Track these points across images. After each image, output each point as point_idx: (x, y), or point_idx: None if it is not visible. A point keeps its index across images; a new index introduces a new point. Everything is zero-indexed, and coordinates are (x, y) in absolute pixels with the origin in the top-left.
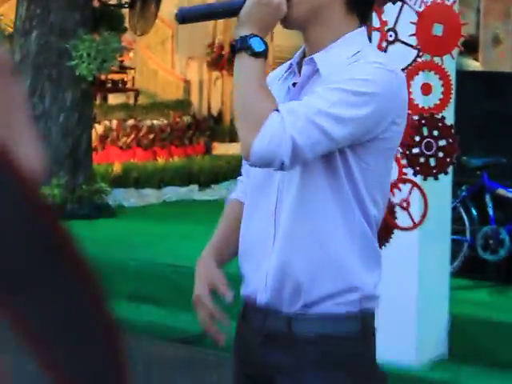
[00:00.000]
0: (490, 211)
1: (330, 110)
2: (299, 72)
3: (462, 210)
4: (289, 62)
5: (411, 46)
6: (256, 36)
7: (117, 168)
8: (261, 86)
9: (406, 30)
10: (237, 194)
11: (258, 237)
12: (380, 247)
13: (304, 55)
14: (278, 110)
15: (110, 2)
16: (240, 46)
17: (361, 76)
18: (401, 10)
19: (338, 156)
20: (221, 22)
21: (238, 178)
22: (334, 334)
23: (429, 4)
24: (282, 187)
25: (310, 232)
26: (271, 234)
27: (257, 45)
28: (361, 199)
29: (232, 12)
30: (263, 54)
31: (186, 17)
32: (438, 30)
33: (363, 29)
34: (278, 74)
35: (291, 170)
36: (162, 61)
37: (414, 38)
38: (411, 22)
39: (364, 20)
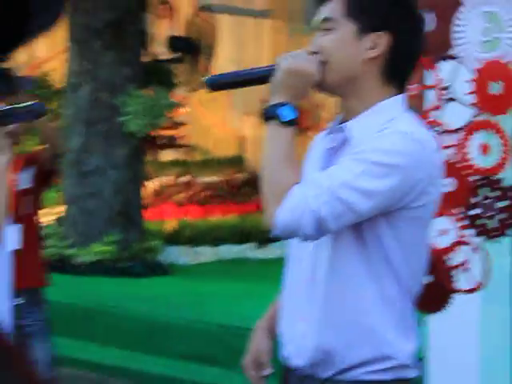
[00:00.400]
0: None
1: (355, 182)
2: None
3: None
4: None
5: (468, 104)
6: (286, 104)
7: (170, 225)
8: (287, 156)
9: (462, 88)
10: None
11: (295, 304)
12: (436, 311)
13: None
14: (301, 182)
15: (161, 58)
16: (269, 114)
17: (385, 147)
18: (456, 68)
19: (368, 225)
20: None
21: None
22: None
23: (484, 62)
24: (315, 257)
25: (344, 302)
26: (307, 302)
27: (286, 114)
28: (394, 268)
29: (261, 80)
30: (293, 123)
31: (214, 85)
32: (495, 87)
33: (399, 96)
34: (324, 133)
35: (317, 240)
36: (216, 117)
37: (471, 96)
38: (468, 81)
39: (401, 88)
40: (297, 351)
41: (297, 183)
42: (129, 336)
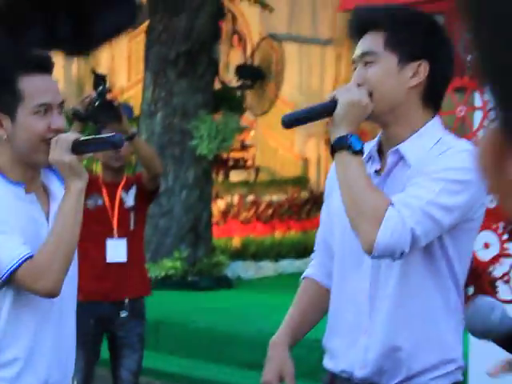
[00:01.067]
0: None
1: (437, 200)
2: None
3: None
4: None
5: None
6: (353, 135)
7: (236, 242)
8: (368, 181)
9: None
10: (311, 272)
11: (352, 314)
12: None
13: (379, 145)
14: (392, 204)
15: (231, 84)
16: (341, 145)
17: (457, 165)
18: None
19: (436, 240)
20: None
21: (312, 255)
22: None
23: None
24: (378, 270)
25: (412, 312)
26: (366, 313)
27: (356, 143)
28: (456, 278)
29: (327, 113)
30: (362, 152)
31: (288, 123)
32: None
33: (437, 118)
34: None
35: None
36: (282, 139)
37: None
38: None
39: (438, 109)
40: (358, 362)
41: (388, 205)
42: (195, 346)
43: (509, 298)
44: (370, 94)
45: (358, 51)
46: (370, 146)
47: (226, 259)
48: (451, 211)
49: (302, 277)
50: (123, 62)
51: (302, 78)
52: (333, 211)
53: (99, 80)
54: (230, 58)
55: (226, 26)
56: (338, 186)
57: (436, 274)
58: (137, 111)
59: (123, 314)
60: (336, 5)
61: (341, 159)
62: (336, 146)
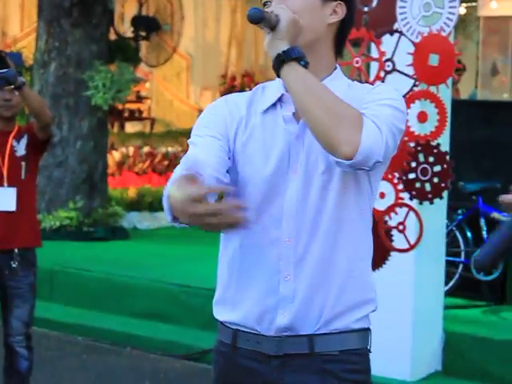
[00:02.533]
0: (485, 234)
1: (392, 120)
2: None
3: (457, 233)
4: (253, 92)
5: (408, 75)
6: (296, 47)
7: (132, 193)
8: (329, 90)
9: (404, 60)
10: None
11: (267, 261)
12: (377, 268)
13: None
14: (363, 114)
15: (126, 35)
16: (291, 56)
17: (393, 96)
18: (398, 41)
19: (366, 175)
20: (233, 53)
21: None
22: (354, 349)
23: (425, 35)
24: (302, 216)
25: (343, 252)
26: (290, 258)
27: (304, 56)
28: (372, 215)
29: (271, 27)
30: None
31: (257, 17)
32: (433, 59)
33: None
34: (252, 101)
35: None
36: (178, 91)
37: (411, 67)
38: (408, 53)
39: (341, 55)
40: (274, 312)
41: (361, 114)
42: (90, 296)
43: (404, 246)
44: None
45: None
46: (274, 87)
47: (122, 210)
48: (398, 135)
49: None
50: (16, 11)
51: (198, 30)
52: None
53: None
54: (125, 10)
55: None
56: (252, 132)
57: (363, 210)
58: (30, 62)
59: (14, 265)
60: None
61: (294, 70)
62: (286, 57)
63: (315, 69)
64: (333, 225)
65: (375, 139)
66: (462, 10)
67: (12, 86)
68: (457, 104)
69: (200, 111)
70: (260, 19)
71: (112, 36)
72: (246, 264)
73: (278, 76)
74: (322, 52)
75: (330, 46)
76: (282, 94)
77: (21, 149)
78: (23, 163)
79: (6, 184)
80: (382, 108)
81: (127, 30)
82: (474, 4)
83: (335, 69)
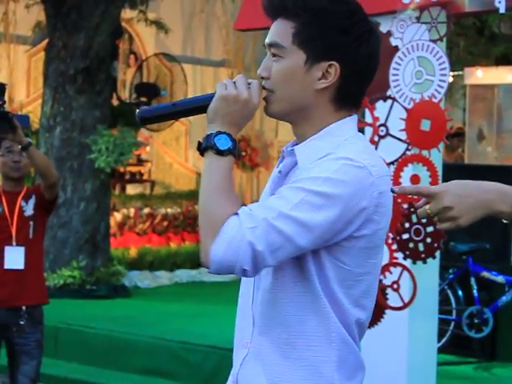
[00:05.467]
0: (475, 292)
1: (292, 212)
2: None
3: (449, 292)
4: None
5: (401, 140)
6: (223, 133)
7: (133, 252)
8: (223, 187)
9: (397, 125)
10: None
11: (240, 324)
12: (372, 326)
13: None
14: (237, 214)
15: (128, 101)
16: (205, 144)
17: (325, 174)
18: (391, 107)
19: (310, 256)
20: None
21: None
22: None
23: (417, 101)
24: (257, 286)
25: (280, 334)
26: (250, 325)
27: (222, 143)
28: (338, 302)
29: (199, 109)
30: (229, 152)
31: (144, 118)
32: (425, 125)
33: (351, 117)
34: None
35: (255, 275)
36: (177, 155)
37: (404, 132)
38: (401, 118)
39: (357, 107)
40: (234, 377)
41: (232, 215)
42: (93, 352)
43: (398, 305)
44: (274, 92)
45: (267, 37)
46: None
47: (123, 269)
48: (309, 228)
49: None
50: (22, 79)
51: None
52: None
53: None
54: (127, 77)
55: (123, 46)
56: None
57: (309, 293)
58: (36, 126)
59: (21, 322)
60: (229, 26)
61: (205, 160)
62: (202, 145)
63: (303, 131)
64: (266, 306)
65: (230, 248)
66: (450, 79)
67: (20, 147)
68: (447, 167)
69: (198, 174)
70: (145, 119)
71: (115, 102)
72: None
73: None
74: (314, 116)
75: (326, 107)
76: (284, 151)
77: (29, 209)
78: (31, 223)
79: (14, 243)
80: (291, 194)
81: (128, 97)
82: (460, 73)
83: (325, 127)
